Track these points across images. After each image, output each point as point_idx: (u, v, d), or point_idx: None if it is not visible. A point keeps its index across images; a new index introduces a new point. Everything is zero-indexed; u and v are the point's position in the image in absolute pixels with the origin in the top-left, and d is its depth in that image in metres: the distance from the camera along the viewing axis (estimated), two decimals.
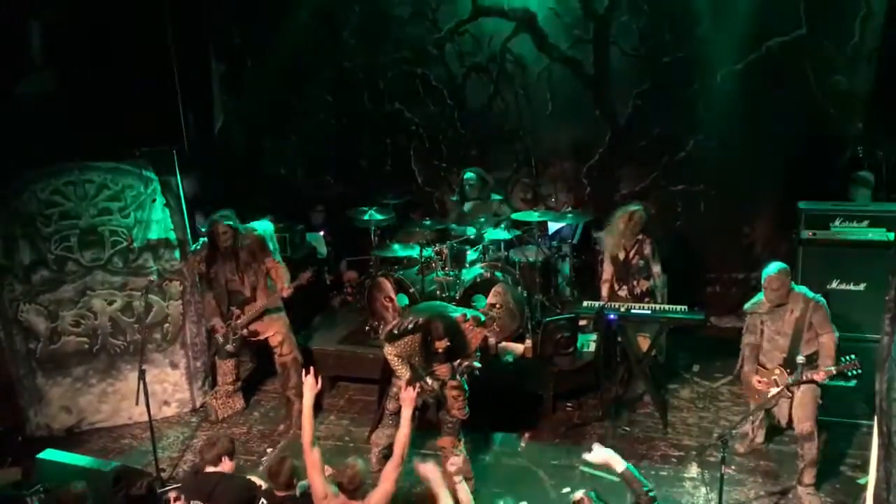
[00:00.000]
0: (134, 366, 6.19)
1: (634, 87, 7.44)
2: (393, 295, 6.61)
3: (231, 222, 6.05)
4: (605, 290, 6.43)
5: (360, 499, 4.24)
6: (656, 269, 6.27)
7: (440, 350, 5.04)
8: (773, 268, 5.13)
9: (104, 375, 6.48)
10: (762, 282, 5.17)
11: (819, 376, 4.93)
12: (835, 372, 4.88)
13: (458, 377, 5.19)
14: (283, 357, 6.33)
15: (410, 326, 5.12)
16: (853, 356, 4.86)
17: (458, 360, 5.18)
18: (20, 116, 6.21)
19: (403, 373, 5.18)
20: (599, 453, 4.01)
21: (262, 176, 8.27)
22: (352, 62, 8.05)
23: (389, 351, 5.21)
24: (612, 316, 5.97)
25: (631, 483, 3.86)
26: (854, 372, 4.83)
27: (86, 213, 6.23)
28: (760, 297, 5.26)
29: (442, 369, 5.13)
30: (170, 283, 6.49)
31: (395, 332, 5.16)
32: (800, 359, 5.03)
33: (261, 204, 7.46)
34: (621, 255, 6.29)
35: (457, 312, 5.25)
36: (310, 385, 4.52)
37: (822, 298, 5.14)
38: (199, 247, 6.29)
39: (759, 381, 5.15)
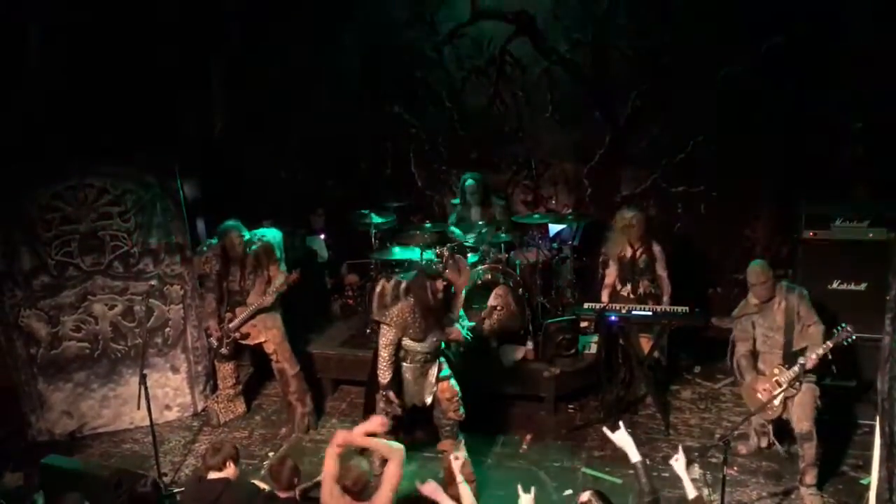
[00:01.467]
0: (135, 370, 6.20)
1: (634, 89, 7.41)
2: None
3: (245, 233, 6.11)
4: (605, 295, 6.44)
5: (364, 500, 4.24)
6: (662, 273, 6.28)
7: (440, 292, 5.00)
8: (755, 262, 5.26)
9: (105, 380, 6.48)
10: (748, 280, 5.24)
11: (812, 359, 4.94)
12: (831, 346, 4.89)
13: (468, 336, 5.19)
14: (279, 363, 6.34)
15: (402, 290, 5.09)
16: (843, 324, 4.88)
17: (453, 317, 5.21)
18: (20, 121, 6.22)
19: (385, 374, 5.12)
20: (621, 436, 4.00)
21: (262, 179, 8.25)
22: (351, 65, 8.07)
23: (386, 331, 5.10)
24: (612, 317, 5.98)
25: (640, 477, 3.86)
26: (849, 340, 4.84)
27: (86, 217, 6.23)
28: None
29: (454, 333, 5.12)
30: (171, 287, 6.50)
31: (387, 302, 5.11)
32: (801, 360, 5.06)
33: (261, 208, 7.47)
34: (628, 254, 6.30)
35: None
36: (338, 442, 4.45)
37: (803, 289, 5.21)
38: (205, 249, 6.29)
39: (764, 390, 5.16)
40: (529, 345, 6.52)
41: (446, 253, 6.08)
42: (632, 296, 6.33)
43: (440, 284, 5.03)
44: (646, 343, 6.28)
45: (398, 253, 6.98)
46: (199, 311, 6.54)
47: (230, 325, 6.25)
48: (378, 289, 6.70)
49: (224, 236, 6.12)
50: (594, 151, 7.72)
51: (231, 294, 6.27)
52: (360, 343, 6.89)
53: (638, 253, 6.29)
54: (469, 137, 7.97)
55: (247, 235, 6.16)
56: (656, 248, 6.32)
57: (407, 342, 5.15)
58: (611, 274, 6.45)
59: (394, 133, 8.17)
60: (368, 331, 6.87)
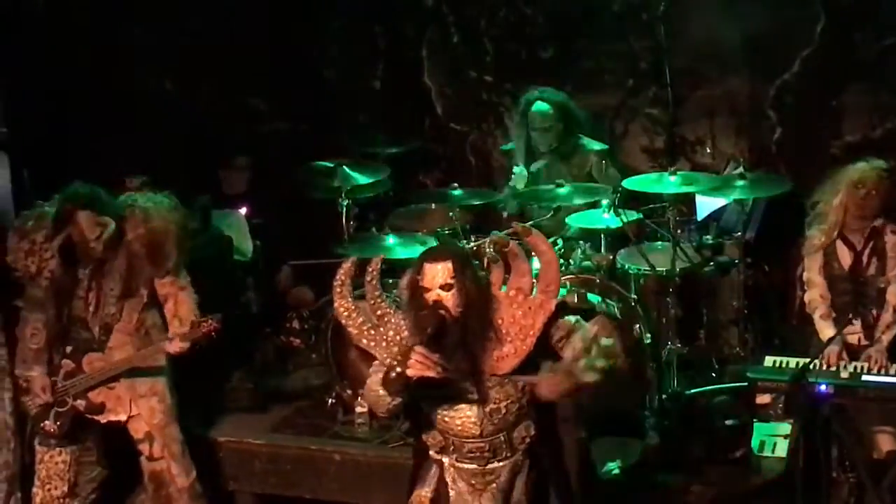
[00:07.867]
0: None
1: None
2: None
3: (105, 209, 5.99)
4: (824, 327, 6.29)
5: None
6: None
7: None
8: None
9: None
10: None
11: None
12: None
13: None
14: (153, 462, 6.36)
15: None
16: None
17: None
18: None
19: None
20: None
21: (127, 98, 8.45)
22: None
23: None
24: (823, 387, 5.92)
25: None
26: None
27: None
28: None
29: None
30: None
31: None
32: None
33: (126, 154, 7.47)
34: (845, 257, 6.29)
35: None
36: None
37: None
38: (30, 224, 6.21)
39: None
40: (653, 437, 6.51)
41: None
42: (864, 341, 6.27)
43: None
44: (889, 442, 6.21)
45: (396, 245, 7.02)
46: (22, 349, 6.46)
47: (69, 384, 6.25)
48: None
49: (66, 215, 6.07)
50: (791, 53, 7.90)
51: (71, 324, 6.28)
52: (314, 426, 7.04)
53: (865, 252, 6.30)
54: (542, 20, 8.37)
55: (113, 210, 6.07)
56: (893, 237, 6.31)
57: None
58: (816, 287, 6.39)
59: (393, 12, 8.50)
60: (330, 400, 7.09)
